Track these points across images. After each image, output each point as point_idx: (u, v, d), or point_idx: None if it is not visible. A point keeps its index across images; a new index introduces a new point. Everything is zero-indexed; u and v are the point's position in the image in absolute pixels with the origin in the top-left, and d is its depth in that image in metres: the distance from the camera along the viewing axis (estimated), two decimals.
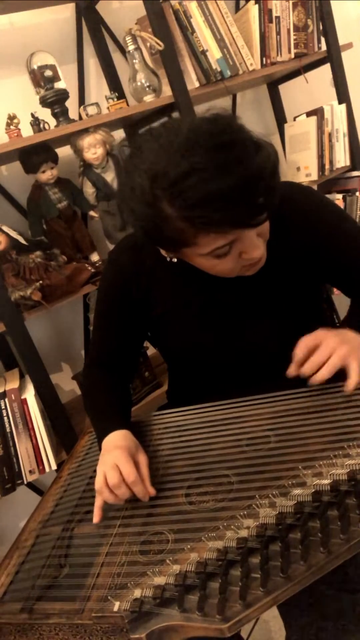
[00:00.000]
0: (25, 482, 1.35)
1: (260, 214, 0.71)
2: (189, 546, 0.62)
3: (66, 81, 1.47)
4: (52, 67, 1.41)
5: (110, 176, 1.48)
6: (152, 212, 0.71)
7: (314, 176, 1.91)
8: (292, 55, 1.77)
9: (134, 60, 1.54)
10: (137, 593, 0.57)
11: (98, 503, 0.76)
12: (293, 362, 0.78)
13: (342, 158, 1.97)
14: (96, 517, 0.75)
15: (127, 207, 0.75)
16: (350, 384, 0.75)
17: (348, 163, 1.99)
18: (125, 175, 0.75)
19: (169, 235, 0.73)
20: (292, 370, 0.78)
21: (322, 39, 1.87)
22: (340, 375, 0.84)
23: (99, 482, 0.76)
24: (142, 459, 0.79)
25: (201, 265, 0.80)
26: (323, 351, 0.76)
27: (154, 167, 0.69)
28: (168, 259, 0.86)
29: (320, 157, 1.90)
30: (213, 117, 0.71)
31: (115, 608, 0.57)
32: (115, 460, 0.76)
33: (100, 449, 0.84)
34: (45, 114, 1.44)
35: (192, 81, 1.57)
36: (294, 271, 0.90)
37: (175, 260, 0.84)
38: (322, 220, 0.90)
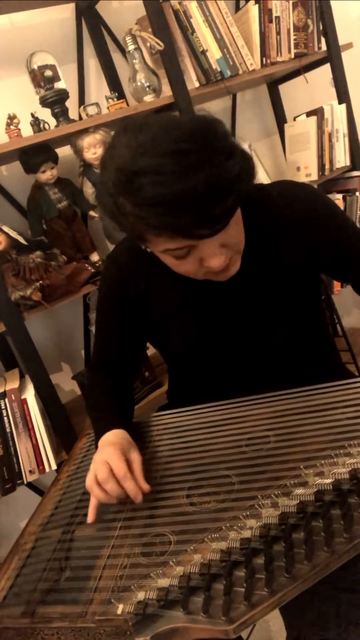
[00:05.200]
0: (25, 482, 1.35)
1: (209, 226, 0.70)
2: (192, 547, 0.62)
3: (66, 81, 1.46)
4: (52, 67, 1.41)
5: None
6: (114, 205, 0.71)
7: (314, 176, 1.90)
8: (292, 55, 1.77)
9: (134, 60, 1.53)
10: (141, 595, 0.57)
11: (92, 503, 0.75)
12: None
13: (342, 158, 1.97)
14: (90, 517, 0.74)
15: (99, 200, 0.75)
16: None
17: (348, 163, 1.99)
18: (100, 168, 0.75)
19: (127, 229, 0.74)
20: None
21: (322, 39, 1.87)
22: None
23: (89, 480, 0.75)
24: (135, 457, 0.78)
25: (166, 262, 0.80)
26: None
27: (118, 161, 0.69)
28: (142, 247, 0.83)
29: (320, 157, 1.90)
30: (187, 120, 0.71)
31: (119, 611, 0.57)
32: (106, 457, 0.76)
33: (97, 449, 0.83)
34: (45, 114, 1.43)
35: (192, 81, 1.57)
36: (292, 268, 0.89)
37: (149, 250, 0.82)
38: (319, 212, 0.90)
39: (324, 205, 0.91)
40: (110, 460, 0.75)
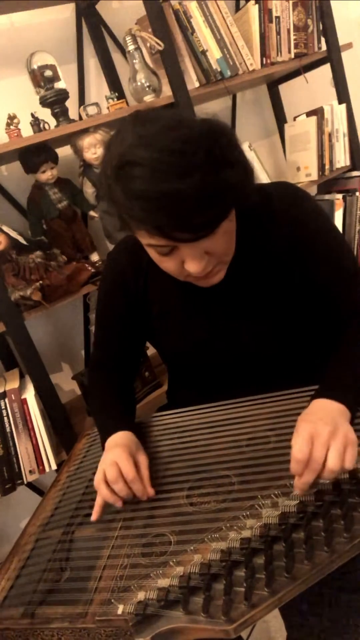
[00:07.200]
0: (25, 482, 1.35)
1: (190, 231, 0.69)
2: (192, 548, 0.62)
3: (66, 81, 1.47)
4: (52, 67, 1.41)
5: None
6: (108, 188, 0.72)
7: (314, 176, 1.90)
8: (292, 55, 1.77)
9: (134, 60, 1.54)
10: (141, 596, 0.57)
11: (98, 502, 0.75)
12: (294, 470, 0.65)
13: (342, 158, 1.97)
14: (95, 514, 0.74)
15: (99, 179, 0.75)
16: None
17: (348, 163, 1.99)
18: (105, 148, 0.75)
19: (116, 214, 0.74)
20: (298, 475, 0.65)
21: (322, 39, 1.87)
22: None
23: (97, 479, 0.76)
24: (143, 459, 0.79)
25: (150, 255, 0.79)
26: (319, 452, 0.63)
27: (120, 146, 0.69)
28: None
29: (320, 157, 1.90)
30: (198, 122, 0.70)
31: (119, 611, 0.57)
32: (115, 458, 0.76)
33: (103, 450, 0.83)
34: (45, 114, 1.44)
35: (192, 81, 1.57)
36: (289, 275, 0.88)
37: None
38: (308, 227, 0.86)
39: (314, 217, 0.87)
40: (119, 461, 0.75)
